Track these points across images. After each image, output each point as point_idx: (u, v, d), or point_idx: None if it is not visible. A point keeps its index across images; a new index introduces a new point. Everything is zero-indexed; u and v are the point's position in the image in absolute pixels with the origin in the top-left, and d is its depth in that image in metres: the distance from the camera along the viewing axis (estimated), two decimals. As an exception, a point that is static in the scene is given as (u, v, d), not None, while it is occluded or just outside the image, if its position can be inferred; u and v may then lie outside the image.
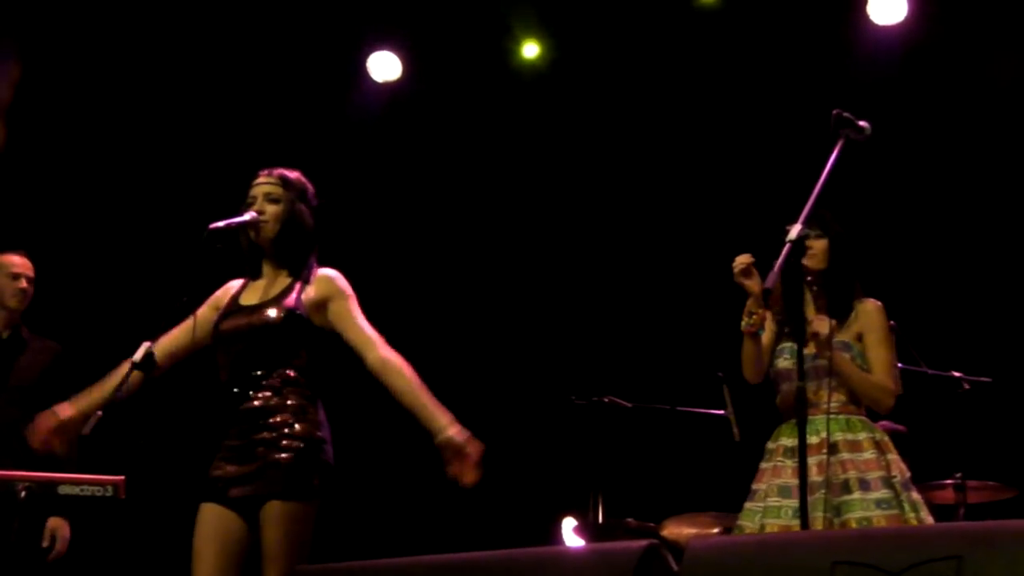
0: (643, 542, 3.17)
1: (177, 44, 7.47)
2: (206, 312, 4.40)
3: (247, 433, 4.17)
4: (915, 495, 4.52)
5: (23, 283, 5.77)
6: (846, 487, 4.47)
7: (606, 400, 6.21)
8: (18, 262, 5.80)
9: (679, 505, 6.18)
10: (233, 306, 4.35)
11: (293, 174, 4.42)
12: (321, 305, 4.30)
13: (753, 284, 4.52)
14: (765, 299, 4.08)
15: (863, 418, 4.64)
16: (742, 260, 4.57)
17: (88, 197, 7.46)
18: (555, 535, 6.76)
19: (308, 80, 7.76)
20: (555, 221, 7.88)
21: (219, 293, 4.48)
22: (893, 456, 4.57)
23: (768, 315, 4.72)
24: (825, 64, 7.10)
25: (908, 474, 4.57)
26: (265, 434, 4.14)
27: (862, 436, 4.56)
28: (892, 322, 4.78)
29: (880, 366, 4.63)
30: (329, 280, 4.34)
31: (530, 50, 7.72)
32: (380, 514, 7.63)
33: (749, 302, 4.55)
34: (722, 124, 7.47)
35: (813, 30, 7.17)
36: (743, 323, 4.60)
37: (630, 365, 7.28)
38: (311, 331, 4.28)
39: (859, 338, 4.66)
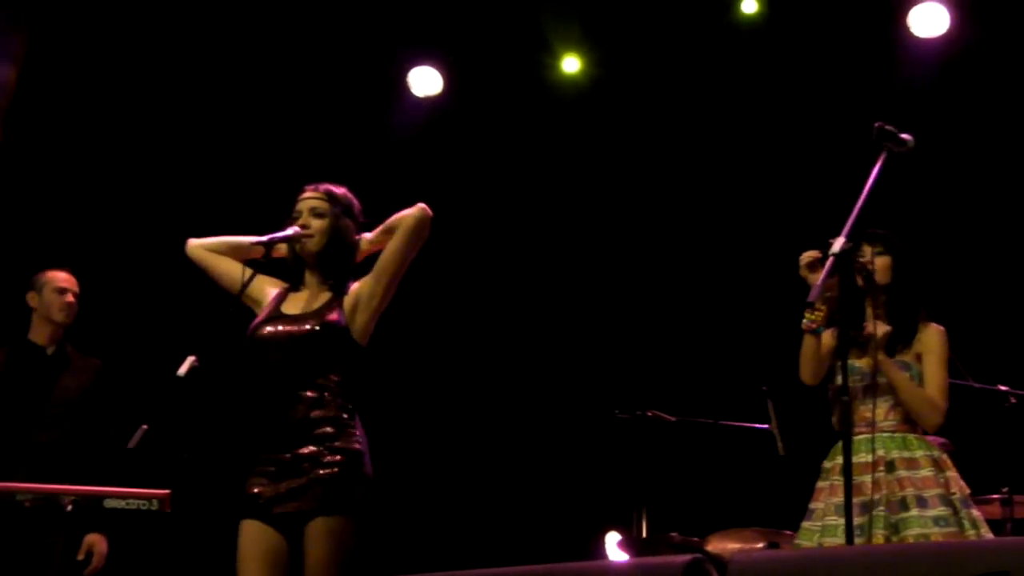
0: (687, 556, 3.16)
1: (220, 61, 7.52)
2: (256, 282, 4.37)
3: (290, 447, 4.13)
4: (975, 512, 4.50)
5: (69, 297, 5.83)
6: (903, 504, 4.45)
7: (649, 414, 6.19)
8: (64, 277, 5.86)
9: (723, 519, 6.15)
10: (274, 312, 4.31)
11: (340, 190, 4.42)
12: (357, 299, 4.29)
13: (817, 280, 4.48)
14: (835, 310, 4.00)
15: (919, 436, 4.62)
16: (809, 255, 4.57)
17: (131, 213, 7.52)
18: (599, 549, 6.74)
19: (349, 95, 7.79)
20: (597, 235, 7.88)
21: (265, 284, 4.42)
22: (952, 473, 4.55)
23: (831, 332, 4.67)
24: (866, 77, 7.07)
25: (967, 491, 4.55)
26: (310, 448, 4.11)
27: (919, 454, 4.55)
28: None
29: (933, 384, 4.61)
30: (359, 281, 4.35)
31: (571, 64, 7.73)
32: (424, 528, 7.64)
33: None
34: (765, 138, 7.46)
35: (854, 43, 7.15)
36: (804, 320, 4.56)
37: (673, 379, 7.26)
38: (350, 345, 4.27)
39: (918, 359, 4.64)
